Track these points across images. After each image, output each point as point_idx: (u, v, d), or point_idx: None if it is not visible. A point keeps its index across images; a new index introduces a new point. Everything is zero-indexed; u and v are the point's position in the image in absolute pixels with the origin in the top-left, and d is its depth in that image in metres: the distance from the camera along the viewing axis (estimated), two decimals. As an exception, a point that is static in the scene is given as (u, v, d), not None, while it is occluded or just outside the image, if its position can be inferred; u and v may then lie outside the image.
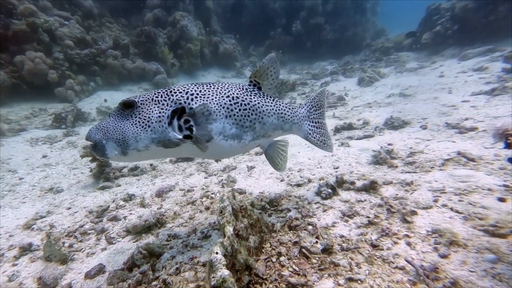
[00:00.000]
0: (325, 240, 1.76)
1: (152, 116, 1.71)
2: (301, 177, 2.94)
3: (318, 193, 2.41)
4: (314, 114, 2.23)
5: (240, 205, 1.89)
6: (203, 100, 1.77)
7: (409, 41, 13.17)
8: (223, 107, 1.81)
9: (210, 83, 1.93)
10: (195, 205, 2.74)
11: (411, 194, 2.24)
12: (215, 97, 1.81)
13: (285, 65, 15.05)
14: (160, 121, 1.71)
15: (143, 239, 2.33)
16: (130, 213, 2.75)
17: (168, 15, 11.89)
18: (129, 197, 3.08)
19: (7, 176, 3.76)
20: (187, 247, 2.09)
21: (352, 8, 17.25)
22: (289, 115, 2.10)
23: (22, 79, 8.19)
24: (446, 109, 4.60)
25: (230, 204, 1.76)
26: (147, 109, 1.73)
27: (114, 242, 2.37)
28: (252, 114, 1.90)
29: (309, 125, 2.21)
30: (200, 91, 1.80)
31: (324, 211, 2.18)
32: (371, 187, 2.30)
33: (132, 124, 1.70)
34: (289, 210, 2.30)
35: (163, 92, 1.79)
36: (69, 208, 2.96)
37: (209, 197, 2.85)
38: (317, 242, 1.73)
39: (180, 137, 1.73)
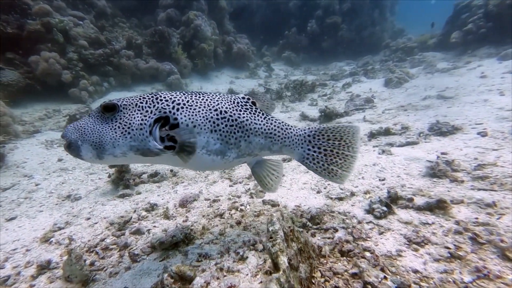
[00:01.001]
0: (396, 276, 1.48)
1: (133, 123, 1.65)
2: (341, 189, 2.66)
3: (370, 210, 2.13)
4: (322, 141, 1.97)
5: (290, 228, 1.64)
6: (189, 111, 1.71)
7: (434, 41, 12.68)
8: (209, 121, 1.75)
9: (200, 93, 1.86)
10: (223, 218, 2.51)
11: (498, 219, 1.91)
12: (202, 110, 1.75)
13: (299, 66, 14.76)
14: (141, 129, 1.64)
15: (171, 258, 2.11)
16: (154, 226, 2.55)
17: (181, 14, 11.82)
18: (151, 207, 2.89)
19: (23, 182, 3.65)
20: (222, 271, 1.86)
21: (371, 7, 16.82)
22: (279, 136, 1.93)
23: (36, 80, 8.22)
24: (507, 113, 4.21)
25: (281, 227, 1.52)
26: (129, 115, 1.66)
27: (138, 259, 2.16)
28: (238, 131, 1.82)
29: (308, 149, 1.97)
30: (188, 101, 1.74)
31: (381, 233, 1.90)
32: (437, 206, 2.00)
33: (111, 129, 1.64)
34: (335, 230, 2.04)
35: (149, 98, 1.71)
36: (89, 219, 2.79)
37: (239, 209, 2.62)
38: (385, 277, 1.45)
39: (161, 147, 1.65)
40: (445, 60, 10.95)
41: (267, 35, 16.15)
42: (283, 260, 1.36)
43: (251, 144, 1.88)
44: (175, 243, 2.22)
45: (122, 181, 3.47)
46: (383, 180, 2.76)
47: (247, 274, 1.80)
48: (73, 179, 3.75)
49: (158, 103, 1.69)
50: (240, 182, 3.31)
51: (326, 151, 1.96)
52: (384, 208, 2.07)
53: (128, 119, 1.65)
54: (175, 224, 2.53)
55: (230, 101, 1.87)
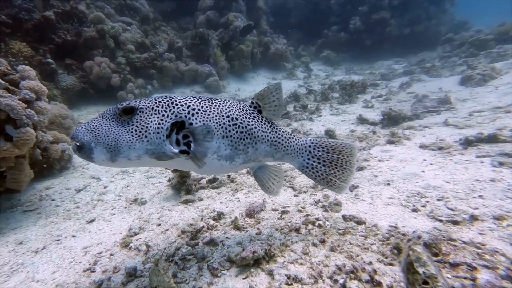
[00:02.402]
0: None
1: (151, 126, 1.66)
2: (451, 209, 2.36)
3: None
4: (321, 153, 2.12)
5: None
6: (204, 117, 1.77)
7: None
8: (222, 127, 1.82)
9: (212, 98, 1.92)
10: (300, 233, 2.39)
11: None
12: (215, 115, 1.81)
13: (339, 65, 14.20)
14: (158, 133, 1.67)
15: (254, 276, 2.04)
16: (227, 237, 2.51)
17: (220, 16, 12.05)
18: (218, 216, 2.87)
19: (93, 184, 3.89)
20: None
21: None
22: (282, 145, 2.07)
23: (89, 83, 8.92)
24: None
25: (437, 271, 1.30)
26: (146, 118, 1.67)
27: (219, 274, 2.12)
28: (247, 138, 1.91)
29: (308, 159, 2.13)
30: (202, 107, 1.79)
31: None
32: None
33: (127, 132, 1.64)
34: (472, 268, 1.68)
35: (164, 102, 1.74)
36: (159, 225, 2.85)
37: (316, 224, 2.47)
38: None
39: (176, 151, 1.69)
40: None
41: (304, 34, 15.82)
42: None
43: (257, 151, 1.99)
44: (256, 259, 2.15)
45: (184, 186, 3.53)
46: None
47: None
48: (135, 182, 3.92)
49: (174, 107, 1.72)
50: (305, 192, 3.17)
51: (325, 162, 2.11)
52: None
53: (145, 123, 1.66)
54: (248, 237, 2.47)
55: (240, 108, 1.95)
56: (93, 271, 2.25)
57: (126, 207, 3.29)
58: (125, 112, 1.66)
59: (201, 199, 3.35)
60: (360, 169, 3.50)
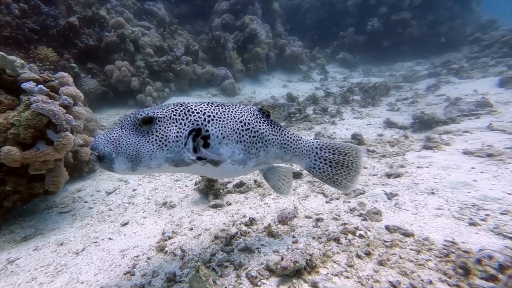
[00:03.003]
0: None
1: (170, 135, 1.71)
2: None
3: None
4: (328, 154, 2.23)
5: None
6: (219, 123, 1.84)
7: None
8: (236, 132, 1.89)
9: (224, 104, 1.97)
10: (340, 243, 2.34)
11: None
12: (230, 121, 1.87)
13: (356, 67, 14.01)
14: (177, 141, 1.72)
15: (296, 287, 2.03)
16: (262, 244, 2.50)
17: (236, 19, 12.16)
18: (250, 222, 2.87)
19: (122, 186, 3.99)
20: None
21: None
22: (291, 147, 2.17)
23: (110, 87, 9.18)
24: None
25: None
26: (165, 127, 1.72)
27: (259, 283, 2.11)
28: (258, 142, 1.99)
29: (315, 160, 2.24)
30: (216, 113, 1.85)
31: None
32: None
33: (148, 141, 1.68)
34: None
35: (181, 111, 1.79)
36: (191, 229, 2.89)
37: (357, 235, 2.41)
38: None
39: (194, 158, 1.75)
40: None
41: (319, 36, 15.72)
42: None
43: (268, 154, 2.07)
44: (297, 270, 2.14)
45: (212, 190, 3.57)
46: None
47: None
48: (162, 185, 3.99)
49: (190, 115, 1.78)
50: (337, 199, 3.13)
51: (332, 163, 2.21)
52: None
53: (165, 132, 1.71)
54: (285, 245, 2.45)
55: (251, 113, 2.02)
56: (133, 275, 2.30)
57: (156, 211, 3.35)
58: (145, 122, 1.69)
59: (230, 204, 3.37)
60: (397, 176, 3.40)
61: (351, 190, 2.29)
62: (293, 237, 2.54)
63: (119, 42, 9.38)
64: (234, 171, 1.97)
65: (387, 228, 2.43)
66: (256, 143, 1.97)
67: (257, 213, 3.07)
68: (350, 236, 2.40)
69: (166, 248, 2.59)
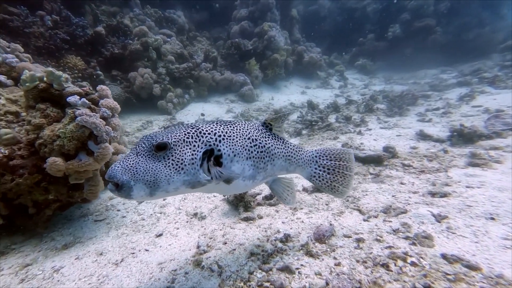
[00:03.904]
0: None
1: (185, 158, 1.76)
2: None
3: None
4: (325, 161, 2.38)
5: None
6: (229, 142, 1.91)
7: None
8: (245, 149, 1.97)
9: (231, 122, 2.05)
10: (390, 270, 2.20)
11: None
12: (239, 139, 1.96)
13: (376, 74, 13.77)
14: (193, 163, 1.77)
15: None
16: (301, 265, 2.46)
17: (254, 26, 12.30)
18: (285, 238, 2.85)
19: (153, 195, 4.08)
20: None
21: (479, 4, 14.45)
22: (295, 158, 2.29)
23: (133, 93, 9.49)
24: None
25: None
26: (180, 151, 1.76)
27: (305, 305, 2.08)
28: (266, 157, 2.09)
29: (316, 168, 2.38)
30: (226, 133, 1.93)
31: None
32: None
33: (165, 166, 1.72)
34: None
35: (193, 133, 1.84)
36: (225, 243, 2.89)
37: (409, 262, 2.24)
38: None
39: (209, 178, 1.80)
40: None
41: (336, 42, 15.62)
42: None
43: (274, 167, 2.18)
44: (347, 294, 2.07)
45: (241, 202, 3.58)
46: None
47: None
48: (191, 195, 4.04)
49: (202, 136, 1.85)
50: (375, 216, 3.04)
51: (329, 170, 2.35)
52: None
53: (180, 155, 1.75)
54: (327, 267, 2.36)
55: (256, 129, 2.13)
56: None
57: (187, 221, 3.40)
58: (160, 148, 1.73)
59: (261, 217, 3.36)
60: (443, 195, 3.24)
61: (346, 195, 2.50)
62: (334, 258, 2.48)
63: (142, 50, 9.70)
64: (245, 186, 2.06)
65: (444, 257, 2.25)
66: (263, 158, 2.07)
67: (291, 228, 3.05)
68: (400, 263, 2.27)
69: (203, 263, 2.60)
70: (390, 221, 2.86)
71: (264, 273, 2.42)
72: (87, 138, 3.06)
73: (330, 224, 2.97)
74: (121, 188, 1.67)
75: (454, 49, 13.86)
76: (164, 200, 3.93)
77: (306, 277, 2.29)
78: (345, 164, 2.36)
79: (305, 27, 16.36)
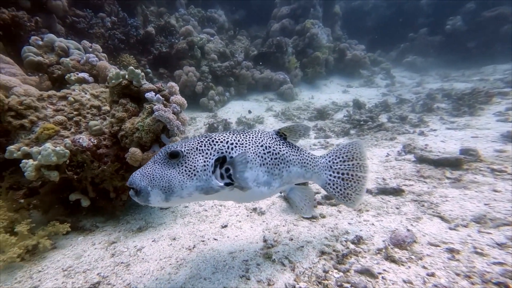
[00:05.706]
0: None
1: (198, 165, 1.87)
2: None
3: None
4: (339, 165, 2.38)
5: None
6: (242, 149, 1.98)
7: None
8: (258, 156, 2.04)
9: (244, 131, 2.14)
10: (503, 292, 2.04)
11: None
12: (252, 146, 2.03)
13: (427, 72, 12.83)
14: (205, 170, 1.87)
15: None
16: (384, 270, 2.35)
17: (296, 24, 12.22)
18: (357, 240, 2.78)
19: (211, 188, 4.26)
20: None
21: None
22: (310, 165, 2.32)
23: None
24: None
25: None
26: (193, 158, 1.88)
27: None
28: (281, 163, 2.14)
29: (330, 175, 2.37)
30: (239, 141, 2.02)
31: None
32: None
33: (178, 173, 1.83)
34: None
35: (206, 142, 1.95)
36: (291, 239, 2.91)
37: None
38: None
39: (222, 184, 1.89)
40: None
41: (380, 38, 14.87)
42: None
43: (291, 174, 2.21)
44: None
45: (301, 201, 3.58)
46: None
47: None
48: (247, 191, 4.13)
49: (215, 144, 1.95)
50: (464, 226, 2.79)
51: (344, 175, 2.36)
52: None
53: (193, 162, 1.86)
54: (417, 276, 2.19)
55: (270, 137, 2.20)
56: (248, 279, 2.40)
57: (248, 216, 3.49)
58: (172, 156, 1.86)
59: (324, 217, 3.33)
60: None
61: (358, 204, 2.41)
62: (424, 267, 2.32)
63: (187, 49, 10.17)
64: (260, 193, 2.09)
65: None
66: (278, 164, 2.12)
67: (360, 230, 2.96)
68: None
69: (274, 257, 2.65)
70: (490, 233, 2.62)
71: (341, 274, 2.39)
72: (161, 132, 3.30)
73: (408, 230, 2.83)
74: (140, 194, 1.82)
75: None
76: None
77: (392, 284, 2.20)
78: (358, 163, 2.36)
79: (345, 23, 15.84)
